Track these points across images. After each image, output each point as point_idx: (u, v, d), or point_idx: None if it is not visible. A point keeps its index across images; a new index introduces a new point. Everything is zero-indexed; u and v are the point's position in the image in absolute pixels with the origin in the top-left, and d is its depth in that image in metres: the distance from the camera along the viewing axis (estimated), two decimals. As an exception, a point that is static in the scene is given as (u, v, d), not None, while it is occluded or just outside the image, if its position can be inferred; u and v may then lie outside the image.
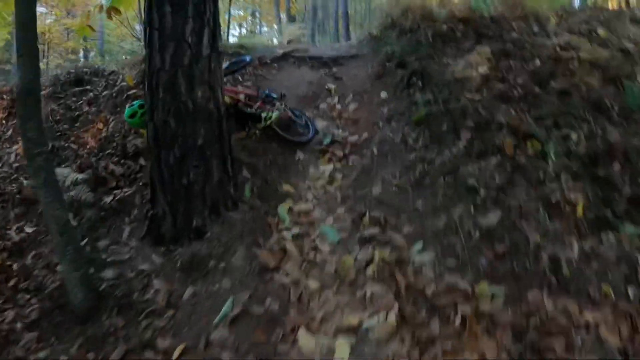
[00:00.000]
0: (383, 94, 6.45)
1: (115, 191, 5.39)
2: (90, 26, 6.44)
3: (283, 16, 22.00)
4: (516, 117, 4.80)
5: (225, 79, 6.48)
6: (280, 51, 8.05)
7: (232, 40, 15.66)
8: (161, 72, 4.11)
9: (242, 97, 5.95)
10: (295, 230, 4.40)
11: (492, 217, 3.95)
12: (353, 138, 5.77)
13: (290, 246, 4.17)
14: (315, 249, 4.18)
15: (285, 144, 5.71)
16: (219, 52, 4.33)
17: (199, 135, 4.21)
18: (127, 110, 4.96)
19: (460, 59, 6.13)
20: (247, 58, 6.53)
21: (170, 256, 4.33)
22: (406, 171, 4.82)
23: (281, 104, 6.03)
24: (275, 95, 6.11)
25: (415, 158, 4.92)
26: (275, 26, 24.08)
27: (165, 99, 4.14)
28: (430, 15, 7.15)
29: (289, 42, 11.58)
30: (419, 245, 3.95)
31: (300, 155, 5.65)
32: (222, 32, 13.27)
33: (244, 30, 28.13)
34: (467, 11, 7.13)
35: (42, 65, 11.73)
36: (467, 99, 5.24)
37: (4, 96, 8.04)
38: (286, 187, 5.02)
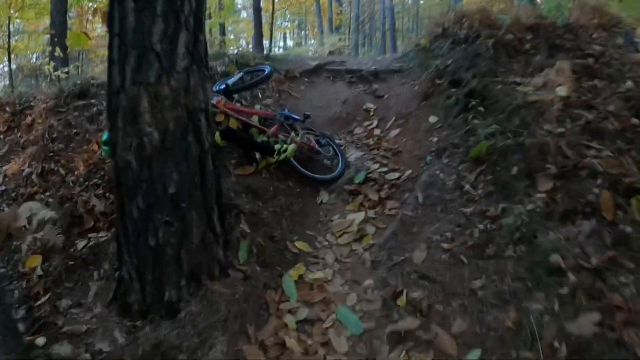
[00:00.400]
0: (432, 119, 5.18)
1: (90, 234, 4.31)
2: (86, 34, 5.45)
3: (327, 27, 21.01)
4: (614, 161, 3.44)
5: (236, 97, 5.37)
6: (313, 63, 6.87)
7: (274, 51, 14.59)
8: (121, 94, 2.98)
9: (255, 119, 4.81)
10: (303, 312, 3.18)
11: (586, 324, 2.60)
12: (393, 176, 4.51)
13: (291, 340, 2.94)
14: (327, 346, 2.95)
15: (305, 182, 4.52)
16: (203, 63, 3.16)
17: (170, 180, 3.03)
18: (104, 134, 3.92)
19: (531, 76, 4.82)
20: (266, 69, 5.38)
21: (136, 335, 3.20)
22: (461, 231, 3.52)
23: (303, 130, 4.85)
24: (297, 117, 4.92)
25: (474, 212, 3.62)
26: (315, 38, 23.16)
27: (125, 130, 3.00)
28: (491, 22, 5.86)
29: (330, 53, 10.43)
30: (475, 355, 2.67)
31: (323, 197, 4.44)
32: (265, 44, 12.21)
33: (290, 42, 27.27)
34: (537, 17, 5.82)
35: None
36: (544, 131, 3.91)
37: (6, 108, 7.18)
38: (299, 245, 3.80)
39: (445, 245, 3.44)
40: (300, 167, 4.48)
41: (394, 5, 18.87)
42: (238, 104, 5.52)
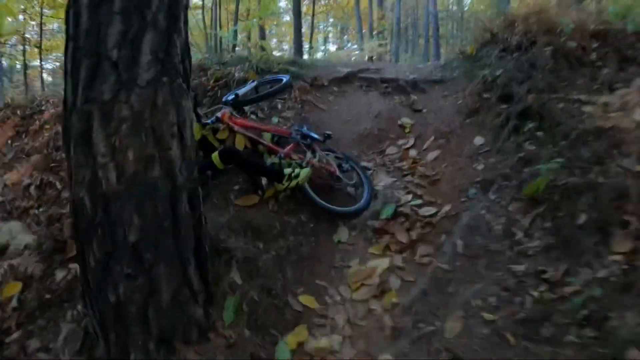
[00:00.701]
0: (478, 140, 4.39)
1: (72, 265, 3.72)
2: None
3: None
4: None
5: (248, 109, 4.72)
6: (344, 70, 6.14)
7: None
8: (73, 114, 2.34)
9: (266, 137, 4.14)
10: (297, 399, 2.48)
11: None
12: (428, 211, 3.74)
13: None
14: None
15: (322, 215, 3.80)
16: (178, 73, 2.47)
17: (131, 225, 2.37)
18: None
19: (598, 93, 4.01)
20: (284, 78, 4.69)
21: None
22: (508, 298, 2.73)
23: (322, 151, 4.15)
24: (316, 136, 4.20)
25: (527, 273, 2.83)
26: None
27: (78, 160, 2.36)
28: (549, 27, 5.01)
29: (369, 58, 9.67)
30: None
31: (342, 234, 3.70)
32: (303, 48, 11.67)
33: (332, 47, 26.53)
34: (602, 23, 4.96)
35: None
36: (622, 169, 3.08)
37: (17, 112, 6.75)
38: (304, 300, 3.07)
39: (487, 316, 2.66)
40: (316, 197, 3.77)
41: (438, 11, 17.85)
42: (253, 117, 4.86)
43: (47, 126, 6.09)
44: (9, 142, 6.32)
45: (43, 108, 6.48)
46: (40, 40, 10.55)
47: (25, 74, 10.92)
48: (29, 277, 3.69)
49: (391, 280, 3.18)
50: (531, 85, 4.40)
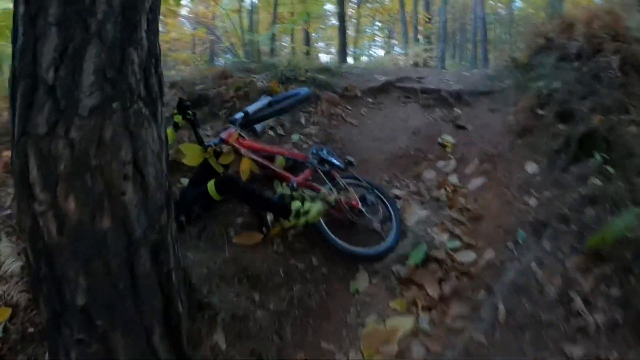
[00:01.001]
0: (530, 167, 3.75)
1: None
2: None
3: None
4: None
5: (267, 124, 4.22)
6: (382, 79, 5.55)
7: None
8: (13, 151, 1.87)
9: (279, 162, 3.62)
10: None
11: None
12: (466, 257, 3.14)
13: None
14: None
15: (338, 258, 3.24)
16: (138, 96, 1.96)
17: (77, 286, 1.88)
18: None
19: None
20: (302, 92, 4.14)
21: None
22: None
23: (344, 179, 3.59)
24: (337, 162, 3.64)
25: (585, 357, 2.20)
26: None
27: (20, 205, 1.90)
28: (617, 32, 4.30)
29: (414, 64, 9.02)
30: None
31: (360, 282, 3.13)
32: (348, 52, 11.19)
33: (378, 51, 25.74)
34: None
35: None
36: None
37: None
38: (302, 371, 2.54)
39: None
40: (332, 235, 3.21)
41: (486, 14, 16.86)
42: (272, 133, 4.34)
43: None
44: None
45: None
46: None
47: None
48: (15, 305, 3.33)
49: (414, 348, 2.59)
50: (596, 103, 3.75)
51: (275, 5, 11.10)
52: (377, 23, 25.34)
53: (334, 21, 20.08)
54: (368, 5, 21.96)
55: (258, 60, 8.35)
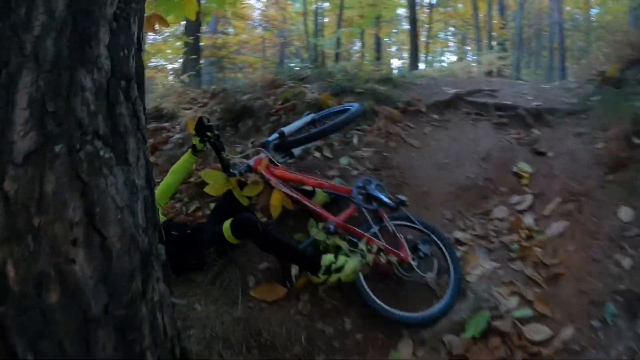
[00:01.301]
0: (625, 213, 3.04)
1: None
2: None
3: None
4: None
5: (305, 148, 3.70)
6: (450, 91, 4.88)
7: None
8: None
9: (318, 195, 3.09)
10: None
11: None
12: (537, 333, 2.48)
13: None
14: None
15: (376, 321, 2.66)
16: (91, 136, 1.44)
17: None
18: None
19: None
20: (352, 108, 3.54)
21: None
22: None
23: (393, 221, 3.00)
24: (386, 200, 3.00)
25: None
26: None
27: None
28: None
29: (487, 73, 8.20)
30: None
31: (402, 353, 2.53)
32: (419, 58, 10.57)
33: (451, 57, 24.52)
34: None
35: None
36: None
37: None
38: None
39: None
40: (371, 295, 2.63)
41: (563, 21, 15.44)
42: (318, 154, 3.81)
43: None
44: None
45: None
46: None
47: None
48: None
49: None
50: None
51: (341, 8, 10.54)
52: (451, 28, 24.22)
53: (407, 25, 19.36)
54: (440, 9, 20.94)
55: (322, 65, 7.85)
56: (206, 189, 2.96)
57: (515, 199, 3.60)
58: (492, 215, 3.49)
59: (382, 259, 2.69)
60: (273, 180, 2.89)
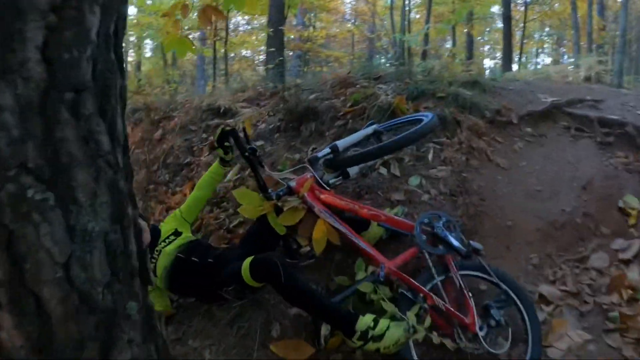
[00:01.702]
0: None
1: None
2: (188, 38, 3.78)
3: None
4: None
5: (363, 168, 3.14)
6: (547, 100, 4.10)
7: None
8: None
9: (372, 230, 2.53)
10: None
11: None
12: None
13: None
14: None
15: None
16: (22, 172, 1.03)
17: None
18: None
19: None
20: (426, 119, 2.87)
21: None
22: None
23: (462, 270, 2.37)
24: (457, 245, 2.33)
25: None
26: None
27: None
28: None
29: (585, 79, 7.17)
30: None
31: None
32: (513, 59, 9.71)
33: (546, 59, 22.69)
34: None
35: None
36: None
37: (151, 114, 6.00)
38: None
39: None
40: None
41: None
42: (384, 171, 3.23)
43: (169, 137, 5.18)
44: (132, 150, 5.58)
45: (174, 114, 5.61)
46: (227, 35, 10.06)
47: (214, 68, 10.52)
48: None
49: None
50: None
51: (430, 3, 9.75)
52: (547, 28, 22.42)
53: (500, 24, 17.99)
54: (536, 8, 19.28)
55: (407, 63, 7.19)
56: (240, 210, 2.50)
57: (618, 243, 2.87)
58: (588, 263, 2.79)
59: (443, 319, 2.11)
60: (317, 208, 2.37)
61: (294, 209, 2.37)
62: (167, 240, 2.66)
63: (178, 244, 2.62)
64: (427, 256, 2.34)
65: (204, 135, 4.85)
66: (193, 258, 2.49)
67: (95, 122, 1.30)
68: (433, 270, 2.30)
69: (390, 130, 3.14)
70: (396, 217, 2.53)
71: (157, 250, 2.64)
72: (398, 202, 2.92)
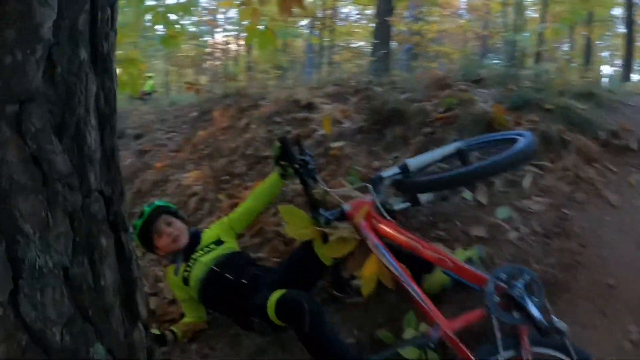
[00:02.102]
0: None
1: None
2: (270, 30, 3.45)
3: None
4: None
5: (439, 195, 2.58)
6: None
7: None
8: None
9: (434, 276, 2.02)
10: None
11: None
12: None
13: None
14: None
15: None
16: None
17: None
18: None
19: None
20: (525, 137, 2.21)
21: None
22: None
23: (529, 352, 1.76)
24: (535, 314, 1.68)
25: None
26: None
27: None
28: None
29: None
30: None
31: None
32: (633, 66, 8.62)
33: None
34: None
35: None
36: None
37: (241, 101, 5.76)
38: None
39: None
40: None
41: None
42: (468, 197, 2.65)
43: (254, 125, 4.90)
44: (218, 135, 5.37)
45: (262, 102, 5.33)
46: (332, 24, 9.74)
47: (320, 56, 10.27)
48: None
49: None
50: None
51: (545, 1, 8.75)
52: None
53: (622, 28, 15.84)
54: None
55: (520, 65, 6.38)
56: (286, 230, 2.11)
57: None
58: None
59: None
60: (371, 241, 1.89)
61: (341, 240, 1.92)
62: (205, 249, 2.38)
63: (216, 254, 2.33)
64: (495, 322, 1.77)
65: (288, 128, 4.50)
66: (227, 274, 2.20)
67: (47, 140, 0.99)
68: (500, 342, 1.73)
69: (479, 149, 2.57)
70: (467, 266, 1.92)
71: (193, 258, 2.36)
72: (477, 239, 2.34)
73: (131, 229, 2.41)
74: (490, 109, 3.23)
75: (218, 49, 21.89)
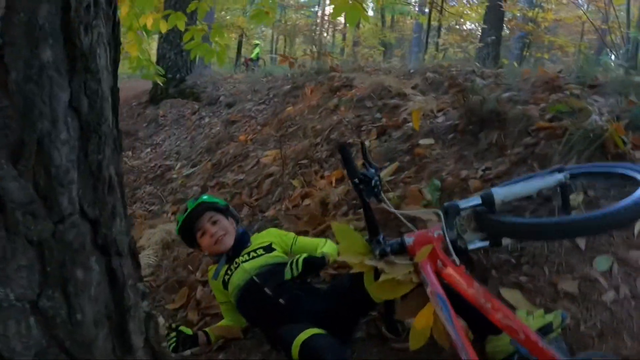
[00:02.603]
0: None
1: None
2: (359, 3, 3.08)
3: None
4: None
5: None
6: None
7: None
8: None
9: (500, 340, 1.56)
10: None
11: None
12: None
13: None
14: None
15: None
16: None
17: None
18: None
19: None
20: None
21: None
22: None
23: None
24: None
25: None
26: None
27: None
28: None
29: None
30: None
31: None
32: None
33: None
34: None
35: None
36: None
37: (334, 79, 5.42)
38: None
39: None
40: None
41: None
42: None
43: (342, 108, 4.58)
44: (306, 113, 5.11)
45: (355, 84, 4.99)
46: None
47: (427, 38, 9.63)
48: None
49: None
50: None
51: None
52: None
53: None
54: None
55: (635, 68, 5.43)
56: (339, 248, 1.79)
57: None
58: None
59: None
60: (430, 288, 1.51)
61: (394, 280, 1.55)
62: (252, 254, 2.12)
63: (261, 263, 2.07)
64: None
65: (378, 115, 4.13)
66: (266, 289, 1.93)
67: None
68: None
69: (585, 179, 2.03)
70: (543, 345, 1.35)
71: (236, 262, 2.11)
72: (565, 295, 1.86)
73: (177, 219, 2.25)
74: (606, 125, 2.61)
75: (326, 20, 21.58)
